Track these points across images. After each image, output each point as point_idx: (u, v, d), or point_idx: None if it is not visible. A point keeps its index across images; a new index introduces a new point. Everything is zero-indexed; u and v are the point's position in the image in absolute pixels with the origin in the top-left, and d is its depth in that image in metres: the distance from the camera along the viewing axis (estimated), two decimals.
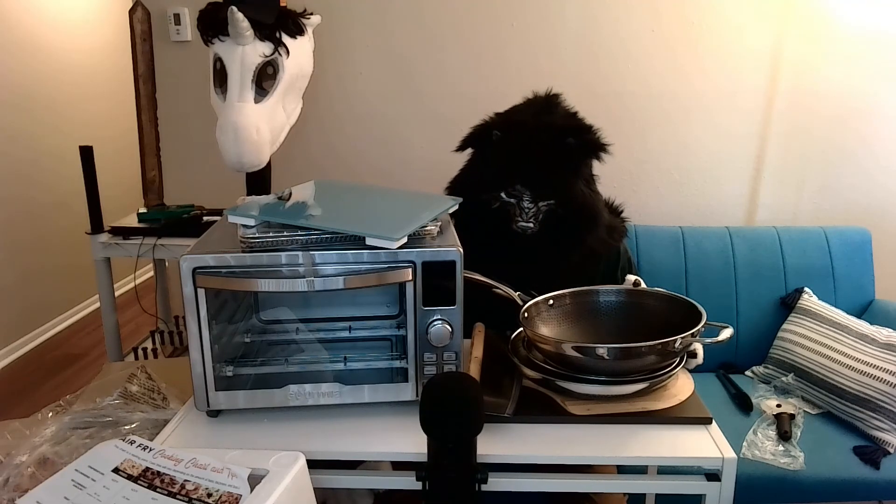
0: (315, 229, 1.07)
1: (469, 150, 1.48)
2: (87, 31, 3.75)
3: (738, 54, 2.24)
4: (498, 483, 1.01)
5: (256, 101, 1.65)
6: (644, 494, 1.61)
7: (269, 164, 1.77)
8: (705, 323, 1.11)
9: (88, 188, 2.08)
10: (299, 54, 1.73)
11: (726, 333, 1.11)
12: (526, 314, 1.23)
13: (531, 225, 1.36)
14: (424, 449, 0.93)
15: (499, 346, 1.27)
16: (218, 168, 1.86)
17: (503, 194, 1.37)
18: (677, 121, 2.31)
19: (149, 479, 0.88)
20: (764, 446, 1.66)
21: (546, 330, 1.26)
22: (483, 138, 1.42)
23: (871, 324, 1.87)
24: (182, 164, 2.45)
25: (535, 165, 1.35)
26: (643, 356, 1.09)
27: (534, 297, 1.27)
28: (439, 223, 1.15)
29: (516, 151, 1.36)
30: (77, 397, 1.49)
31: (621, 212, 1.56)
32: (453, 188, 1.48)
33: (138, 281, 3.92)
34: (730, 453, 1.02)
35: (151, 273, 3.39)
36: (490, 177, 1.39)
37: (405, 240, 1.05)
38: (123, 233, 2.10)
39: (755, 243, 2.12)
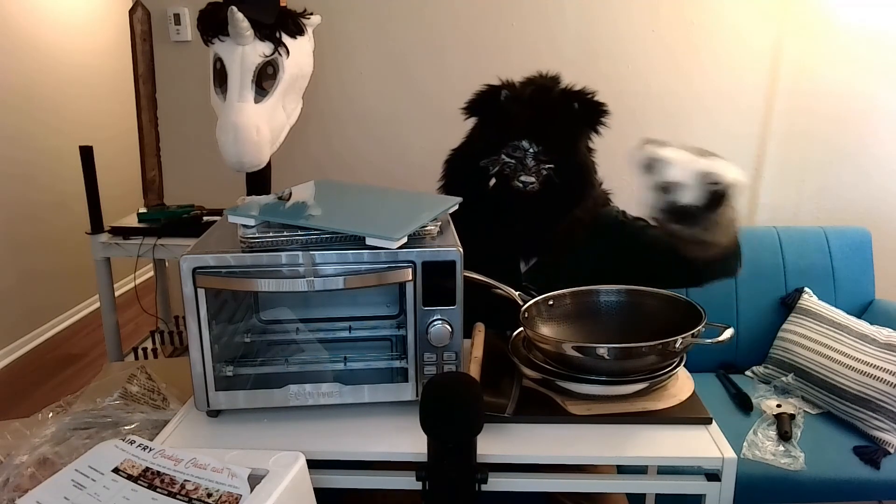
0: (315, 229, 1.07)
1: (469, 125, 1.49)
2: (87, 31, 3.75)
3: (738, 54, 2.24)
4: (498, 483, 1.01)
5: (256, 101, 1.65)
6: (644, 494, 1.61)
7: (269, 164, 1.77)
8: (705, 323, 1.11)
9: (88, 188, 2.08)
10: (299, 54, 1.73)
11: (727, 334, 1.11)
12: (526, 314, 1.23)
13: (532, 179, 1.37)
14: (424, 449, 0.93)
15: (499, 346, 1.27)
16: (218, 168, 1.86)
17: (504, 155, 1.38)
18: (677, 121, 2.31)
19: (149, 479, 0.88)
20: (764, 446, 1.66)
21: (546, 330, 1.26)
22: (490, 103, 1.43)
23: (871, 324, 1.87)
24: (182, 164, 2.45)
25: (543, 119, 1.37)
26: (643, 356, 1.09)
27: (534, 296, 1.27)
28: (439, 223, 1.15)
29: (525, 105, 1.38)
30: (77, 397, 1.48)
31: (601, 183, 1.56)
32: (454, 157, 1.50)
33: (138, 281, 3.92)
34: (730, 453, 1.02)
35: (151, 273, 3.39)
36: (496, 133, 1.39)
37: (405, 240, 1.05)
38: (123, 233, 2.10)
39: (755, 243, 2.11)
